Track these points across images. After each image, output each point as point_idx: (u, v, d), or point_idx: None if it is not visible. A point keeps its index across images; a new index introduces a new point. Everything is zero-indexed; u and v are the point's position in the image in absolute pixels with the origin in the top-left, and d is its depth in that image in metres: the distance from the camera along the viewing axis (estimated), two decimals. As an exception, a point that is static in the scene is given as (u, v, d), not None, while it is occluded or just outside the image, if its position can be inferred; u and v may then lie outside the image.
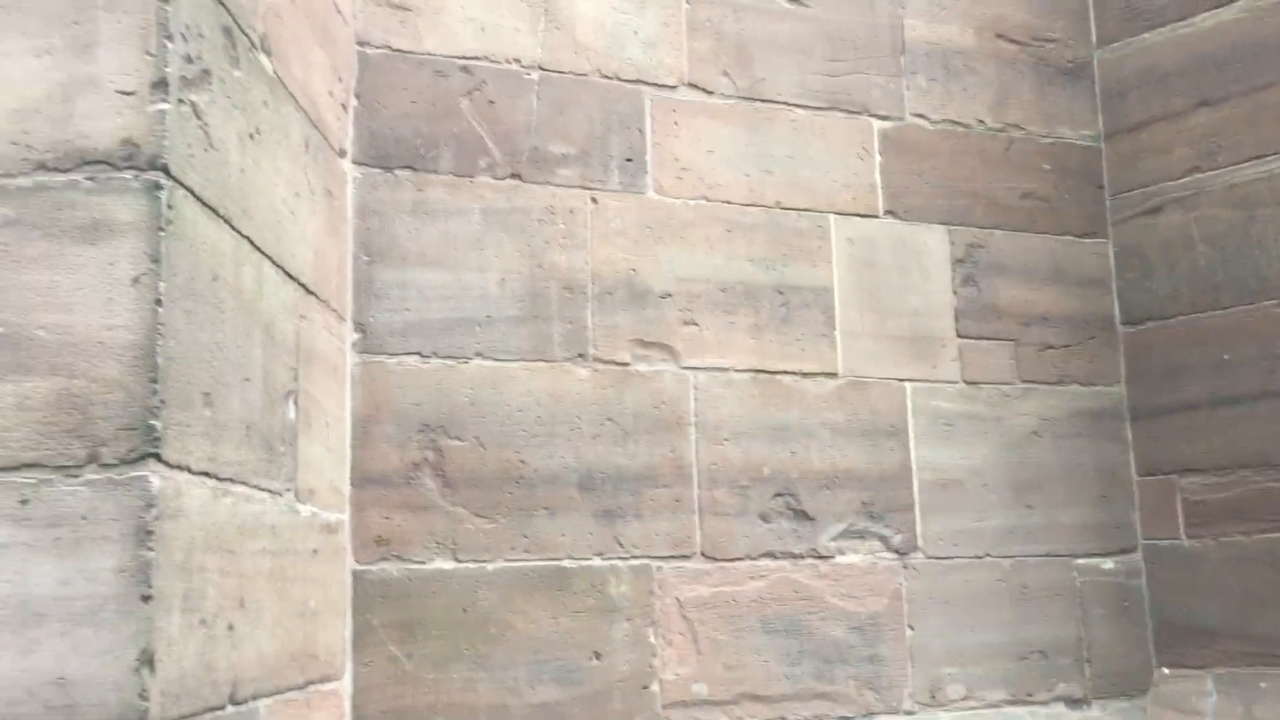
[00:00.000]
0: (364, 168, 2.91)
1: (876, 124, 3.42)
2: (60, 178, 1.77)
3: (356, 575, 2.75)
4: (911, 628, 3.19)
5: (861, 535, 3.18)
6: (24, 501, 1.69)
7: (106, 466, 1.70)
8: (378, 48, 2.97)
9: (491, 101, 3.04)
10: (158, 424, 1.72)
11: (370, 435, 2.81)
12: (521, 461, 2.91)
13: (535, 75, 3.10)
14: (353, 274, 2.86)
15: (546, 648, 2.85)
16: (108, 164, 1.77)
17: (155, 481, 1.70)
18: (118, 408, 1.71)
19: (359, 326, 2.86)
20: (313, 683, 2.42)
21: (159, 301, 1.74)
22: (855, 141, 3.39)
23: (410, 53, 3.00)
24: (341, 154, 2.81)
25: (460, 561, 2.82)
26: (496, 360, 2.94)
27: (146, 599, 1.67)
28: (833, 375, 3.24)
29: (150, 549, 1.68)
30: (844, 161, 3.37)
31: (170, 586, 1.73)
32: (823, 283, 3.28)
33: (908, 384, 3.31)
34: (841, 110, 3.39)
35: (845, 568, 3.16)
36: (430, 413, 2.87)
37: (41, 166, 1.77)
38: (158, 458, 1.72)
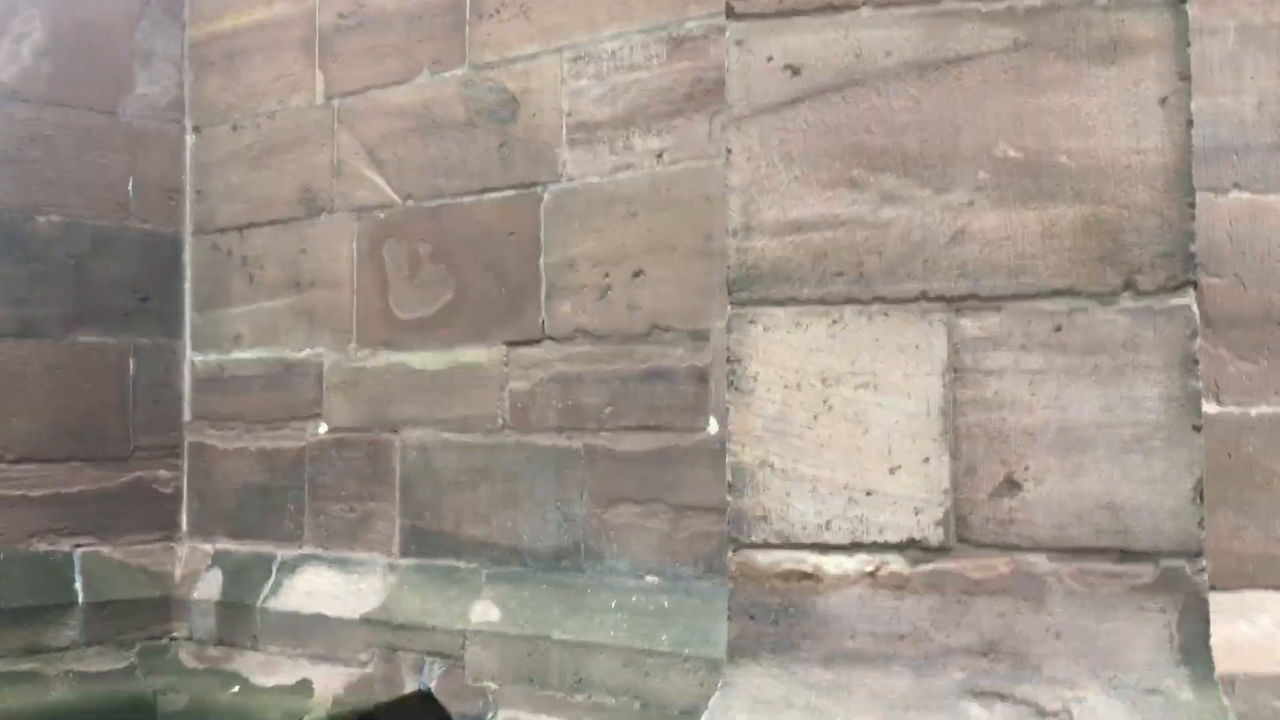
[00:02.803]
0: (1118, -13, 2.74)
1: None
2: (1072, -5, 1.72)
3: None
4: None
5: None
6: (1057, 328, 1.70)
7: (1143, 294, 1.67)
8: None
9: (1245, -94, 2.77)
10: (1194, 250, 1.67)
11: (1130, 272, 2.71)
12: (1283, 301, 2.73)
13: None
14: (1107, 102, 2.73)
15: (1311, 497, 2.71)
16: (1125, -22, 1.70)
17: (1196, 310, 1.66)
18: (1151, 234, 1.67)
19: (1115, 158, 2.73)
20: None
21: (1189, 123, 1.67)
22: None
23: None
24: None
25: (1222, 405, 2.71)
26: (1254, 193, 2.74)
27: (1197, 429, 1.65)
28: None
29: (1197, 378, 1.65)
30: None
31: (1191, 417, 1.71)
32: None
33: None
34: None
35: None
36: (1188, 249, 2.73)
37: (1051, -15, 1.72)
38: (1196, 285, 1.67)
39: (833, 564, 1.74)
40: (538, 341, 3.28)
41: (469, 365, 3.42)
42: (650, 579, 3.02)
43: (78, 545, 3.90)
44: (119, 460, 4.01)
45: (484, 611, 3.27)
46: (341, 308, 3.74)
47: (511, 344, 3.33)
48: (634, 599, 3.02)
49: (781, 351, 1.78)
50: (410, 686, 3.36)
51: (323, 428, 3.77)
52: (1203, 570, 1.62)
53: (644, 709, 2.90)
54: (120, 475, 4.01)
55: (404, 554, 3.53)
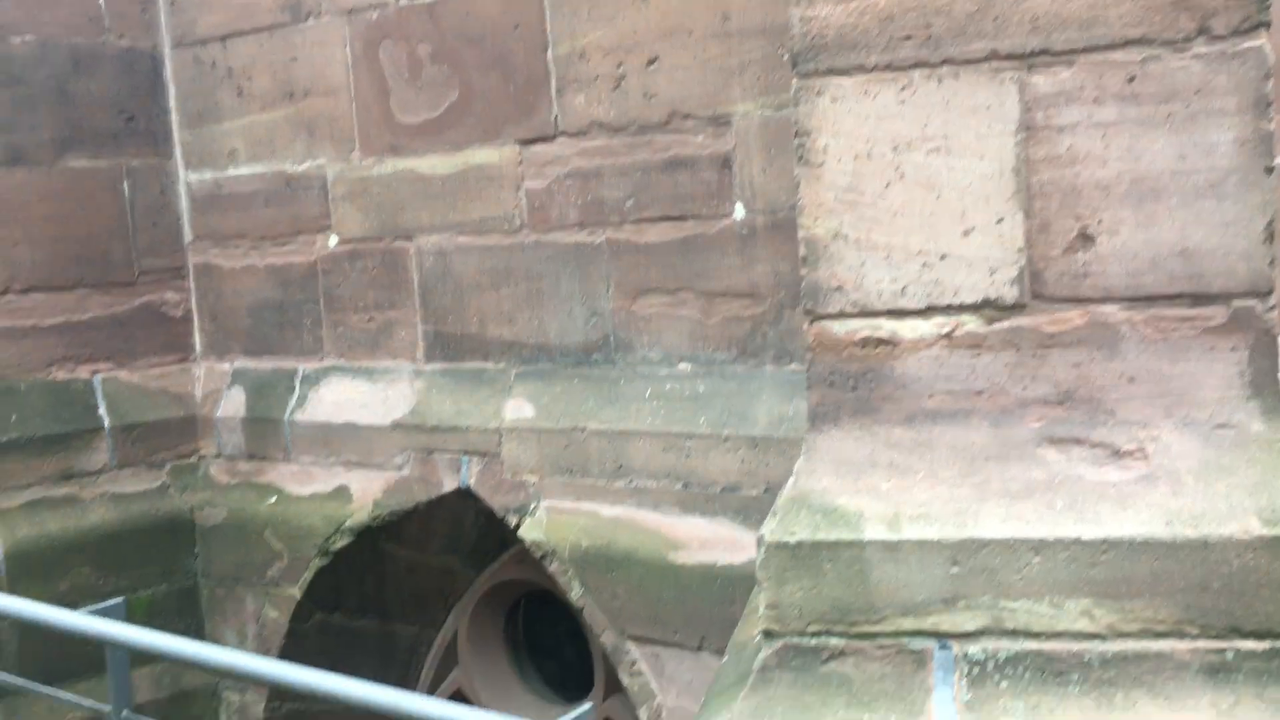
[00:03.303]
0: None
1: None
2: None
3: None
4: None
5: None
6: (1130, 79, 1.70)
7: (1217, 38, 1.67)
8: None
9: None
10: (1269, -9, 1.66)
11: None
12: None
13: None
14: None
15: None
16: None
17: (1269, 51, 1.67)
18: (1231, -24, 1.65)
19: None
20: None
21: None
22: None
23: None
24: None
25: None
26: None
27: (1269, 171, 1.68)
28: None
29: (1269, 120, 1.67)
30: None
31: None
32: None
33: None
34: None
35: None
36: None
37: None
38: (1267, 26, 1.67)
39: (909, 328, 1.78)
40: (552, 138, 3.23)
41: (481, 167, 3.38)
42: (683, 366, 3.08)
43: (95, 371, 3.91)
44: (126, 285, 3.98)
45: (517, 409, 3.33)
46: (341, 116, 3.65)
47: (524, 142, 3.29)
48: (668, 386, 3.09)
49: (850, 121, 1.77)
50: (449, 485, 3.45)
51: (333, 240, 3.74)
52: (1273, 308, 1.68)
53: (686, 489, 3.00)
54: (129, 300, 3.98)
55: (429, 359, 3.57)
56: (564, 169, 3.22)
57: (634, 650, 3.02)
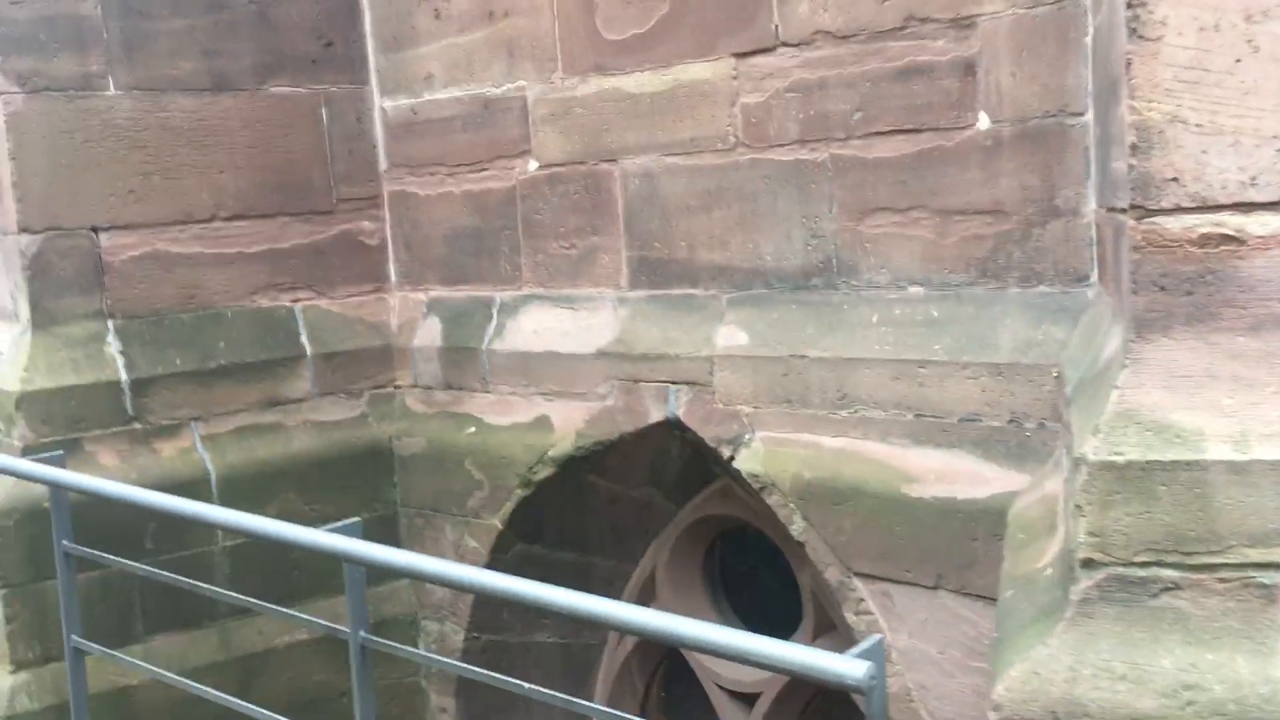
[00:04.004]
0: None
1: None
2: None
3: None
4: None
5: None
6: None
7: None
8: None
9: None
10: None
11: None
12: None
13: None
14: None
15: None
16: None
17: None
18: None
19: None
20: None
21: None
22: None
23: None
24: None
25: None
26: None
27: None
28: None
29: None
30: None
31: None
32: None
33: None
34: None
35: None
36: None
37: None
38: None
39: (1258, 224, 1.58)
40: (771, 49, 3.06)
41: (693, 83, 3.23)
42: (915, 289, 2.89)
43: (296, 300, 3.92)
44: (324, 214, 3.97)
45: (729, 336, 3.20)
46: (543, 35, 3.54)
47: (740, 55, 3.12)
48: (897, 311, 2.91)
49: (1196, -12, 1.56)
50: (655, 416, 3.35)
51: (533, 164, 3.65)
52: None
53: (918, 419, 2.83)
54: (327, 229, 3.98)
55: (633, 286, 3.46)
56: (784, 82, 3.04)
57: (861, 587, 2.88)
